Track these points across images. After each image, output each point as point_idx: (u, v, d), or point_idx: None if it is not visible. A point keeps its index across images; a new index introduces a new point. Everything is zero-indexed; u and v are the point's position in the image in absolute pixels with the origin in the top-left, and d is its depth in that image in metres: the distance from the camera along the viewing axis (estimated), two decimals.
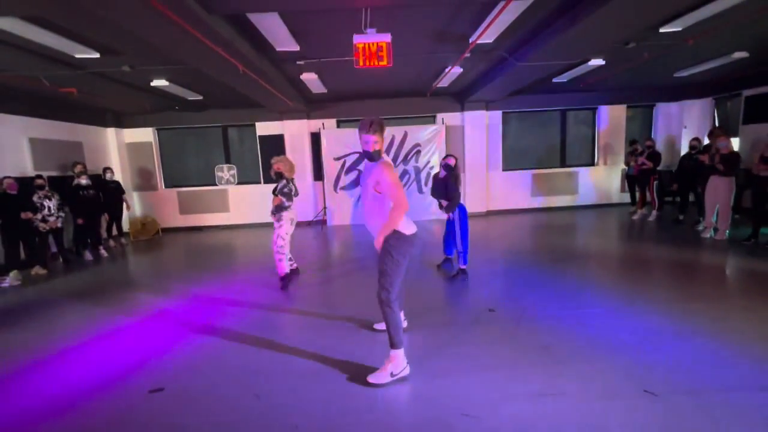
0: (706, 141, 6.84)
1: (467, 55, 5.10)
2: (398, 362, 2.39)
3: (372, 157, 2.39)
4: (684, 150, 7.97)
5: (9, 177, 5.17)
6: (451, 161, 4.24)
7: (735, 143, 7.53)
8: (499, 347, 2.74)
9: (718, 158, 5.30)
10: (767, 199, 4.86)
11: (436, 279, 4.44)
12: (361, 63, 3.51)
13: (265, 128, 8.58)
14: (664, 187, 7.62)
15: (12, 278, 5.01)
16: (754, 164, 5.05)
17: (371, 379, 2.37)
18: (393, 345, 2.39)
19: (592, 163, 9.13)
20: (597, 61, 5.82)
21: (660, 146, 8.72)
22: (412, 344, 2.83)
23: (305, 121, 8.43)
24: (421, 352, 2.73)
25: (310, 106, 8.33)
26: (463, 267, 4.33)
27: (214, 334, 3.20)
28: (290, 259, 4.52)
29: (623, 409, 2.01)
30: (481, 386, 2.29)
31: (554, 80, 7.04)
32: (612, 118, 8.86)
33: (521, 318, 3.19)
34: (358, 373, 2.47)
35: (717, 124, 8.13)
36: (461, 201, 4.36)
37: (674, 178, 7.27)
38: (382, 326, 2.97)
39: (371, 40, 3.49)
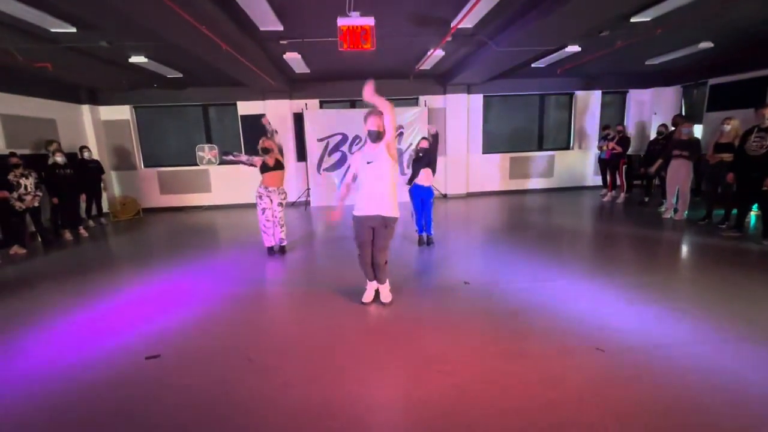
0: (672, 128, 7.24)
1: (449, 39, 5.21)
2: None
3: (379, 136, 2.84)
4: (653, 135, 8.38)
5: None
6: (433, 129, 4.82)
7: (699, 130, 7.99)
8: (472, 314, 3.01)
9: (673, 143, 5.69)
10: (720, 182, 5.25)
11: (416, 254, 4.67)
12: (345, 46, 3.59)
13: (246, 108, 8.49)
14: (633, 170, 8.04)
15: None
16: (708, 152, 5.42)
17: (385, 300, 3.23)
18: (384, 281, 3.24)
19: (567, 147, 9.48)
20: (573, 48, 6.02)
21: (632, 131, 9.14)
22: (396, 310, 3.08)
23: (288, 101, 8.39)
24: (402, 317, 2.98)
25: (292, 86, 8.28)
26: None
27: (203, 307, 3.35)
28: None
29: (576, 364, 2.30)
30: (454, 346, 2.54)
31: (533, 65, 7.23)
32: (587, 103, 9.18)
33: (494, 289, 3.47)
34: (339, 337, 2.69)
35: (684, 112, 8.56)
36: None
37: (642, 163, 7.67)
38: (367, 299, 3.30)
39: (355, 23, 3.57)
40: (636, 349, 2.42)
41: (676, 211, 5.96)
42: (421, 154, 4.76)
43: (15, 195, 5.33)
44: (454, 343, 2.60)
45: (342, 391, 2.15)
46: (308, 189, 8.59)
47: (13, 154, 5.51)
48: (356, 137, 8.39)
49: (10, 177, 5.31)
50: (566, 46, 5.98)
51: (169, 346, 2.71)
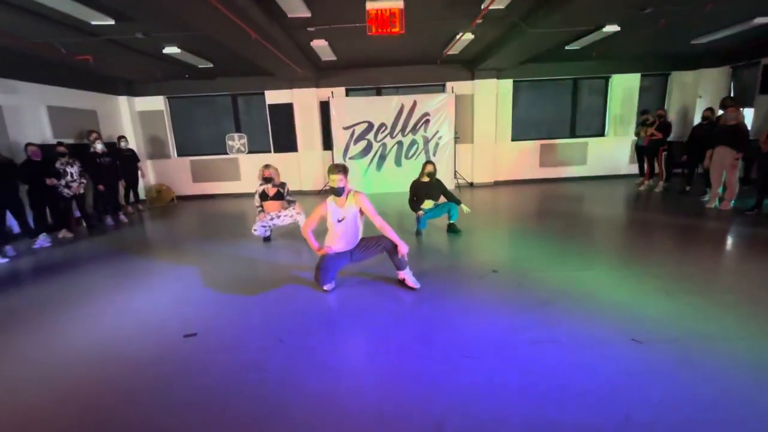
0: (719, 112, 6.77)
1: (479, 21, 5.05)
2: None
3: (339, 192, 3.08)
4: (698, 120, 7.87)
5: (32, 144, 5.36)
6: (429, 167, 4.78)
7: (750, 114, 7.43)
8: (500, 302, 2.96)
9: (717, 129, 5.33)
10: None
11: (444, 242, 4.64)
12: (373, 30, 3.55)
13: (274, 97, 8.61)
14: (674, 158, 7.60)
15: (42, 240, 5.32)
16: (762, 140, 5.03)
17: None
18: (404, 267, 3.29)
19: (602, 134, 9.07)
20: (612, 28, 5.69)
21: (673, 116, 8.62)
22: (423, 297, 3.09)
23: (314, 89, 8.43)
24: (429, 304, 2.98)
25: (319, 74, 8.30)
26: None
27: (236, 289, 3.47)
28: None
29: (610, 354, 2.23)
30: (483, 334, 2.52)
31: (567, 48, 6.91)
32: (625, 87, 8.71)
33: (523, 278, 3.40)
34: (368, 322, 2.73)
35: (732, 94, 7.98)
36: None
37: (685, 149, 7.24)
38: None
39: (384, 6, 3.51)
40: (675, 342, 2.32)
41: (721, 200, 5.60)
42: (427, 179, 4.75)
43: (63, 182, 5.66)
44: (482, 330, 2.58)
45: (372, 373, 2.18)
46: None
47: (60, 144, 5.84)
48: (382, 125, 8.36)
49: (58, 165, 5.64)
50: (604, 26, 5.67)
51: (206, 326, 2.82)
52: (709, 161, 5.65)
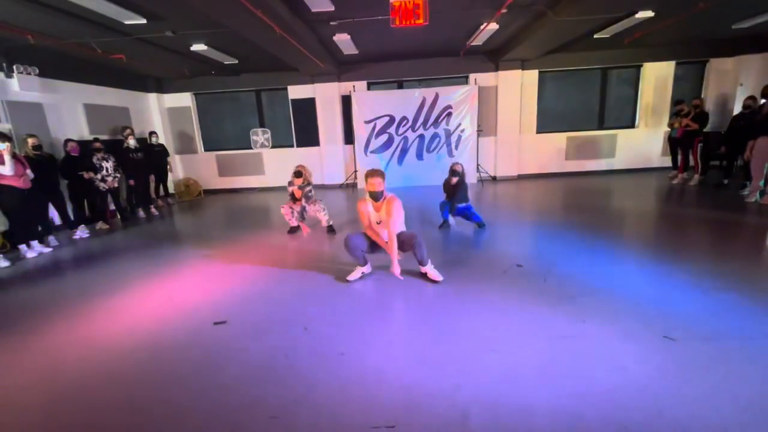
0: (762, 101, 6.38)
1: (504, 10, 4.93)
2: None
3: (378, 197, 3.22)
4: (737, 110, 7.44)
5: (72, 140, 5.64)
6: (459, 167, 4.76)
7: None
8: (525, 296, 2.92)
9: (759, 119, 5.03)
10: None
11: (468, 236, 4.61)
12: (397, 22, 3.53)
13: (297, 92, 8.71)
14: (711, 149, 7.22)
15: (81, 231, 5.61)
16: None
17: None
18: (426, 263, 3.30)
19: (632, 125, 8.72)
20: (645, 13, 5.45)
21: (711, 106, 8.19)
22: (446, 290, 3.09)
23: (336, 83, 8.47)
24: (453, 296, 2.98)
25: (340, 68, 8.33)
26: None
27: (262, 279, 3.56)
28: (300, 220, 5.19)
29: (641, 352, 2.17)
30: (507, 328, 2.50)
31: (596, 36, 6.66)
32: (658, 76, 8.32)
33: (548, 272, 3.34)
34: (390, 313, 2.75)
35: None
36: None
37: (723, 140, 6.87)
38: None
39: None
40: (711, 340, 2.23)
41: (763, 194, 5.31)
42: (457, 178, 4.74)
43: (99, 176, 5.94)
44: (508, 323, 2.56)
45: (394, 364, 2.21)
46: (356, 171, 8.71)
47: (96, 140, 6.11)
48: (403, 118, 8.33)
49: (94, 160, 5.91)
50: (637, 12, 5.43)
51: (234, 314, 2.92)
52: (750, 153, 5.35)
